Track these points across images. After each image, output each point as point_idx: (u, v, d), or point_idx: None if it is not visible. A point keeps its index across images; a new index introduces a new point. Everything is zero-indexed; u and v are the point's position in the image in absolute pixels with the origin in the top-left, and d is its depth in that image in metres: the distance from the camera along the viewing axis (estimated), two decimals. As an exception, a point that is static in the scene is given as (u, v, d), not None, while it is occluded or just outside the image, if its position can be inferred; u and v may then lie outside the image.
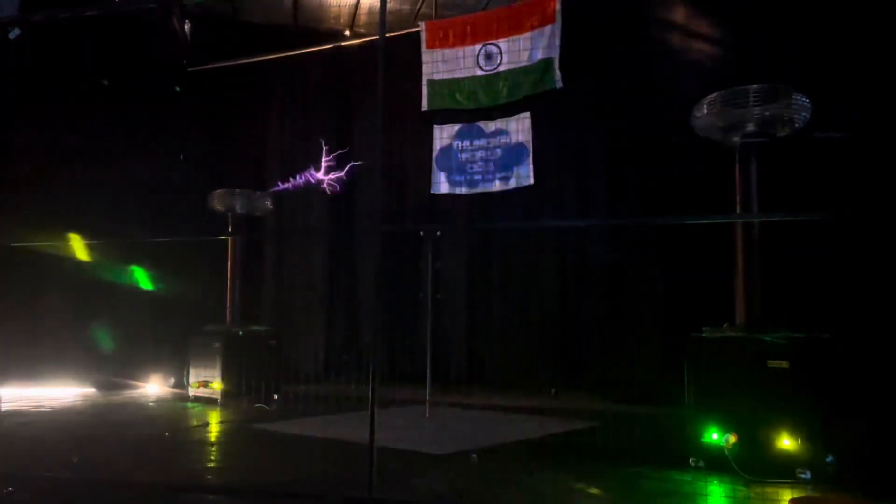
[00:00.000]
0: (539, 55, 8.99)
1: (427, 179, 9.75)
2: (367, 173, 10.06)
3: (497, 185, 9.30)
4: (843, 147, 6.51)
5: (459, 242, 9.74)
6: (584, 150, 8.86)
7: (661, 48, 8.24)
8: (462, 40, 9.54)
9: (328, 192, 10.35)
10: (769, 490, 4.31)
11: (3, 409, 7.51)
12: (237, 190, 8.67)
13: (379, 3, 4.60)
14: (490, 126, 9.43)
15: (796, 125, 5.16)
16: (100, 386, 9.22)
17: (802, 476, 4.43)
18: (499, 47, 9.31)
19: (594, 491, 4.33)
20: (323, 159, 10.47)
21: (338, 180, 10.37)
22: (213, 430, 6.65)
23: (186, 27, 9.98)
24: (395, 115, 9.96)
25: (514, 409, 7.70)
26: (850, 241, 6.59)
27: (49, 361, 9.13)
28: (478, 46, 9.44)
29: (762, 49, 7.17)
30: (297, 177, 10.10)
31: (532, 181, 9.06)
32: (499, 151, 9.32)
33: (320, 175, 10.43)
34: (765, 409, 4.65)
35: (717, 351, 4.98)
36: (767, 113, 5.03)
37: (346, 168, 10.37)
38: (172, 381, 9.28)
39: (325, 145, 10.43)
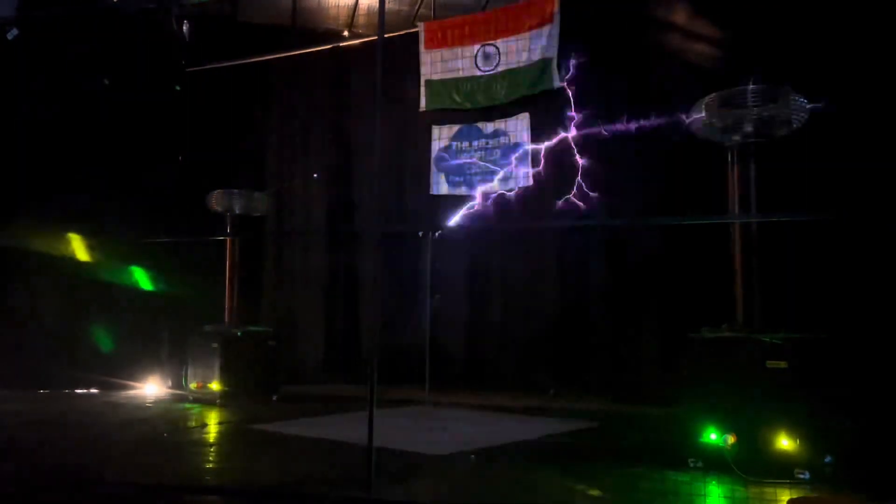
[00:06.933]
0: (537, 56, 8.99)
1: (426, 180, 9.75)
2: (366, 173, 10.07)
3: (496, 186, 9.31)
4: (843, 147, 6.52)
5: (458, 243, 9.73)
6: (583, 150, 8.86)
7: (659, 48, 8.24)
8: (460, 41, 9.54)
9: (327, 192, 10.37)
10: (768, 490, 4.31)
11: (3, 409, 7.51)
12: (235, 190, 8.66)
13: (377, 4, 4.60)
14: (489, 126, 9.44)
15: (794, 126, 5.17)
16: (98, 386, 9.20)
17: (801, 476, 4.43)
18: (497, 48, 9.31)
19: (593, 491, 4.34)
20: (321, 159, 10.49)
21: (336, 180, 10.39)
22: (212, 431, 6.64)
23: (185, 27, 9.99)
24: (394, 116, 9.95)
25: (514, 410, 7.70)
26: (848, 242, 6.59)
27: (47, 362, 9.12)
28: (476, 47, 9.44)
29: (761, 49, 7.17)
30: (296, 177, 10.11)
31: (531, 182, 9.07)
32: (497, 152, 9.33)
33: (319, 175, 10.45)
34: (763, 409, 4.65)
35: (715, 351, 4.99)
36: (766, 113, 5.04)
37: (345, 168, 10.39)
38: (171, 381, 9.27)
39: (324, 145, 10.44)
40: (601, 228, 8.55)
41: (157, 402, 8.49)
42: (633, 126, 8.43)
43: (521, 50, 9.13)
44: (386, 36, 4.84)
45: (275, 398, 8.37)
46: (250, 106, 10.73)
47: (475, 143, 9.48)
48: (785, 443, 4.54)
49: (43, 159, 9.31)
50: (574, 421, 6.91)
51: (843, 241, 6.61)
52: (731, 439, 4.65)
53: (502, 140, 9.31)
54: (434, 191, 9.69)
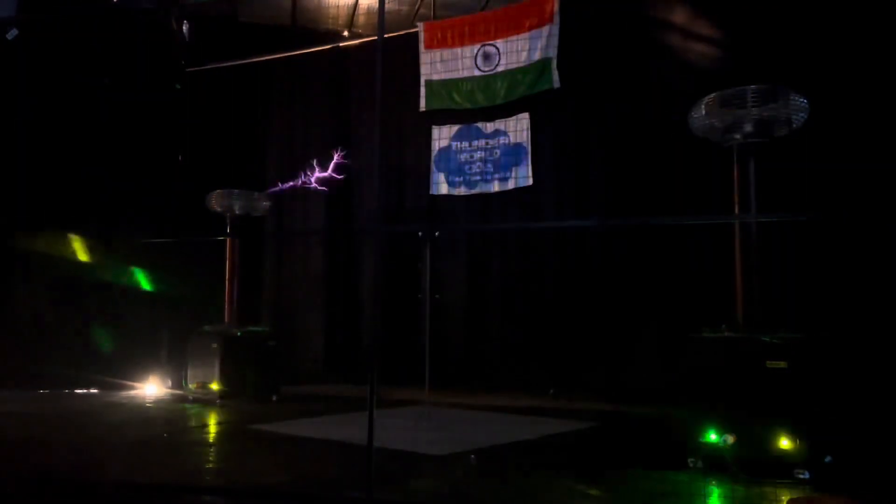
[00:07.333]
0: (537, 55, 9.00)
1: (426, 180, 9.76)
2: (366, 174, 10.07)
3: (496, 186, 9.32)
4: (843, 147, 6.52)
5: (458, 243, 9.74)
6: (583, 150, 8.86)
7: (659, 48, 8.24)
8: (460, 41, 9.55)
9: (327, 192, 10.36)
10: (767, 490, 4.32)
11: (2, 409, 7.51)
12: (235, 190, 8.66)
13: (377, 4, 4.60)
14: (488, 127, 9.44)
15: (794, 125, 5.17)
16: (98, 386, 9.20)
17: (801, 476, 4.43)
18: (497, 48, 9.31)
19: (592, 491, 4.33)
20: (321, 159, 10.49)
21: (336, 180, 10.38)
22: (212, 431, 6.64)
23: (185, 27, 9.99)
24: (394, 116, 9.96)
25: (514, 410, 7.70)
26: (848, 242, 6.60)
27: (47, 362, 9.11)
28: (476, 47, 9.45)
29: (761, 49, 7.17)
30: (296, 177, 10.10)
31: (531, 181, 9.07)
32: (497, 152, 9.33)
33: (319, 175, 10.44)
34: (763, 409, 4.65)
35: (715, 351, 4.99)
36: (765, 113, 5.04)
37: (345, 168, 10.38)
38: (171, 381, 9.27)
39: (324, 145, 10.44)
40: (601, 228, 8.55)
41: (157, 402, 8.49)
42: (633, 126, 8.44)
43: (520, 50, 9.14)
44: (386, 36, 4.84)
45: (275, 398, 8.37)
46: (250, 106, 10.74)
47: (475, 143, 9.48)
48: (785, 443, 4.53)
49: (43, 159, 9.31)
50: (574, 421, 6.90)
51: (844, 240, 6.61)
52: (730, 439, 4.66)
53: (502, 140, 9.31)
54: (434, 191, 9.69)
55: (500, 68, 9.31)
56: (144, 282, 9.61)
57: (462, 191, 9.56)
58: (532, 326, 9.03)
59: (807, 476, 4.42)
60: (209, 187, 8.69)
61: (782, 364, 4.63)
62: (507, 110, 9.33)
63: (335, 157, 10.34)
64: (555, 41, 8.90)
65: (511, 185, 9.23)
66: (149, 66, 9.61)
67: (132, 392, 9.11)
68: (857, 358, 5.88)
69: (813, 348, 4.76)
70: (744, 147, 5.18)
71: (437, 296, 9.14)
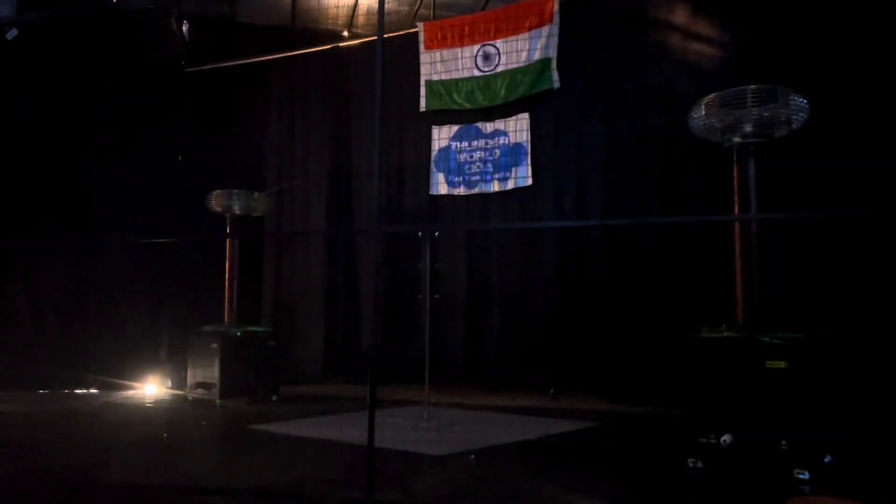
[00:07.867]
0: (537, 55, 9.00)
1: (425, 180, 9.76)
2: (365, 173, 10.06)
3: (495, 186, 9.32)
4: (843, 147, 6.53)
5: (458, 243, 9.73)
6: (583, 150, 8.86)
7: (659, 48, 8.24)
8: (460, 41, 9.55)
9: (327, 192, 10.36)
10: (767, 490, 4.31)
11: (2, 409, 7.51)
12: (235, 191, 8.66)
13: (377, 4, 4.60)
14: (488, 127, 9.44)
15: (794, 125, 5.18)
16: (98, 386, 9.20)
17: (801, 476, 4.44)
18: (497, 48, 9.31)
19: (592, 491, 4.33)
20: (321, 159, 10.49)
21: (336, 180, 10.38)
22: (211, 431, 6.64)
23: (185, 27, 10.00)
24: (394, 116, 9.96)
25: (513, 410, 7.70)
26: (849, 242, 6.60)
27: (47, 362, 9.12)
28: (476, 47, 9.45)
29: (761, 49, 7.18)
30: (296, 177, 10.10)
31: (530, 182, 9.07)
32: (497, 152, 9.33)
33: (318, 175, 10.44)
34: (762, 409, 4.66)
35: (715, 351, 5.00)
36: (765, 114, 5.05)
37: (345, 168, 10.38)
38: (171, 381, 9.27)
39: (324, 145, 10.44)
40: (601, 228, 8.55)
41: (157, 402, 8.49)
42: (633, 126, 8.44)
43: (520, 50, 9.13)
44: (386, 36, 4.84)
45: (275, 398, 8.38)
46: (250, 106, 10.74)
47: (475, 143, 9.48)
48: (784, 443, 4.54)
49: (42, 159, 9.32)
50: (574, 421, 6.91)
51: (844, 240, 6.61)
52: (730, 439, 4.66)
53: (502, 140, 9.31)
54: (433, 191, 9.69)
55: (500, 68, 9.31)
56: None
57: (462, 191, 9.56)
58: (532, 326, 9.03)
59: (806, 476, 4.43)
60: (209, 187, 8.69)
61: (782, 364, 4.64)
62: (506, 110, 9.33)
63: (335, 156, 10.34)
64: (555, 41, 8.90)
65: (511, 185, 9.22)
66: (149, 66, 9.61)
67: (132, 392, 9.11)
68: (857, 358, 5.89)
69: (813, 348, 4.77)
70: (744, 147, 5.19)
71: (436, 295, 9.13)
